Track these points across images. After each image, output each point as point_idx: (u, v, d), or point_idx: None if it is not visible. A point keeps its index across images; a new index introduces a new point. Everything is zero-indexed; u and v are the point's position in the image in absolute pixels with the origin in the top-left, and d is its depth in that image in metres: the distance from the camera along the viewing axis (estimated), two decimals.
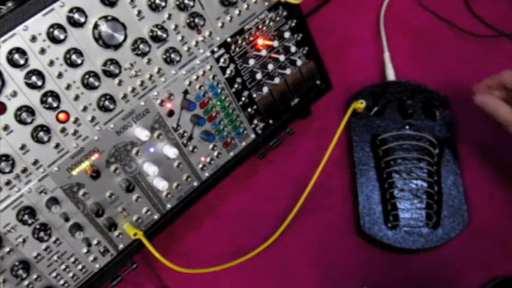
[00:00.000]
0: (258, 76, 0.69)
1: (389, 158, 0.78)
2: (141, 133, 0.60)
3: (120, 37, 0.56)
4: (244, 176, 0.80)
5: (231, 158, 0.71)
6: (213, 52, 0.65)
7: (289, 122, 0.76)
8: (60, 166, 0.57)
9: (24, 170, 0.54)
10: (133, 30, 0.57)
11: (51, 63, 0.53)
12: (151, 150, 0.63)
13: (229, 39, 0.66)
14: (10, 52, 0.50)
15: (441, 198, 0.76)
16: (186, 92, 0.64)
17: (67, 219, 0.59)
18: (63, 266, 0.60)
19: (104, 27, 0.54)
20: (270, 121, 0.73)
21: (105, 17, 0.54)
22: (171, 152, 0.63)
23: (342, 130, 0.78)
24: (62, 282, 0.61)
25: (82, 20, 0.53)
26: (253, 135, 0.73)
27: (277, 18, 0.70)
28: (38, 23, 0.51)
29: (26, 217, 0.55)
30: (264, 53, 0.69)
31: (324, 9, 0.93)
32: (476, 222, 0.75)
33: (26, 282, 0.58)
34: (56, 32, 0.52)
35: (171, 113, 0.63)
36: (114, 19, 0.55)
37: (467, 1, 0.93)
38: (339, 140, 0.78)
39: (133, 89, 0.59)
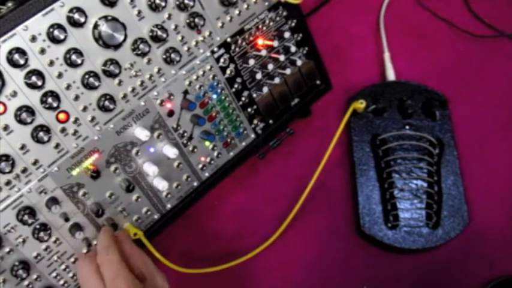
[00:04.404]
0: (258, 76, 0.69)
1: (389, 158, 0.78)
2: (141, 133, 0.60)
3: (120, 37, 0.56)
4: (244, 176, 0.80)
5: (231, 158, 0.71)
6: (213, 52, 0.65)
7: (289, 122, 0.76)
8: (60, 166, 0.57)
9: (24, 170, 0.54)
10: (133, 30, 0.57)
11: (51, 63, 0.53)
12: (151, 150, 0.63)
13: (229, 39, 0.66)
14: (10, 52, 0.50)
15: (441, 198, 0.76)
16: (186, 92, 0.64)
17: (67, 219, 0.59)
18: (63, 266, 0.60)
19: (104, 27, 0.54)
20: (270, 121, 0.73)
21: (105, 17, 0.54)
22: (171, 152, 0.63)
23: (342, 130, 0.78)
24: (62, 282, 0.61)
25: (82, 20, 0.53)
26: (253, 135, 0.73)
27: (277, 18, 0.70)
28: (38, 23, 0.51)
29: (26, 217, 0.55)
30: (264, 53, 0.69)
31: (324, 9, 0.93)
32: (476, 222, 0.75)
33: (26, 282, 0.58)
34: (56, 32, 0.52)
35: (171, 113, 0.63)
36: (114, 19, 0.55)
37: (467, 1, 0.93)
38: (339, 140, 0.78)
39: (133, 89, 0.59)
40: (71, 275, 0.61)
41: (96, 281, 0.55)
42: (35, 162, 0.55)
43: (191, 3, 0.59)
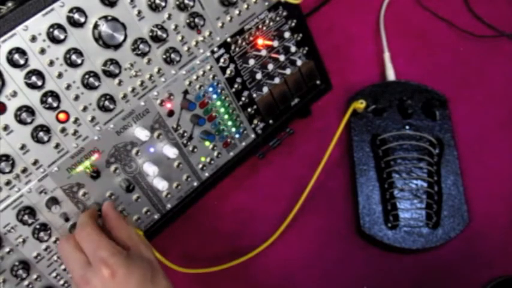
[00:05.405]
0: (258, 76, 0.69)
1: (389, 158, 0.78)
2: (141, 133, 0.60)
3: (120, 37, 0.56)
4: (244, 176, 0.80)
5: (231, 158, 0.71)
6: (213, 52, 0.65)
7: (289, 122, 0.76)
8: (60, 166, 0.57)
9: (24, 170, 0.54)
10: (133, 30, 0.57)
11: (51, 63, 0.53)
12: (151, 150, 0.63)
13: (229, 39, 0.66)
14: (10, 52, 0.50)
15: (441, 198, 0.76)
16: (186, 92, 0.64)
17: (67, 219, 0.59)
18: (63, 266, 0.60)
19: (104, 27, 0.54)
20: (270, 121, 0.73)
21: (105, 17, 0.54)
22: (171, 152, 0.63)
23: (342, 130, 0.78)
24: (62, 282, 0.61)
25: (82, 20, 0.53)
26: (253, 135, 0.73)
27: (277, 18, 0.70)
28: (38, 23, 0.51)
29: (26, 217, 0.55)
30: (264, 53, 0.69)
31: (324, 9, 0.93)
32: (476, 222, 0.75)
33: (26, 282, 0.58)
34: (56, 32, 0.52)
35: (171, 113, 0.63)
36: (114, 19, 0.55)
37: (467, 1, 0.93)
38: (339, 140, 0.78)
39: (133, 89, 0.59)
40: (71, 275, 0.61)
41: (78, 256, 0.53)
42: (35, 162, 0.55)
43: (191, 3, 0.59)
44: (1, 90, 0.51)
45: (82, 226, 0.56)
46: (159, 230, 0.67)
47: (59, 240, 0.58)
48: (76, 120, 0.56)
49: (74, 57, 0.53)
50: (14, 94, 0.52)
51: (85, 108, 0.56)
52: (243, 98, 0.69)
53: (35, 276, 0.58)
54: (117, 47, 0.56)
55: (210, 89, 0.66)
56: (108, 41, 0.55)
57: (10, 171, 0.53)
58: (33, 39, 0.51)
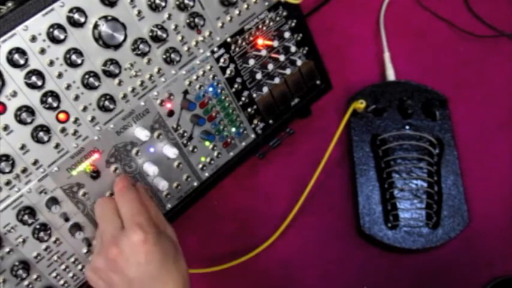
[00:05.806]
0: (258, 76, 0.69)
1: (389, 158, 0.78)
2: (141, 133, 0.60)
3: (120, 37, 0.56)
4: (244, 176, 0.80)
5: (231, 158, 0.71)
6: (213, 52, 0.65)
7: (289, 122, 0.76)
8: (60, 166, 0.57)
9: (24, 170, 0.54)
10: (133, 30, 0.57)
11: (51, 63, 0.53)
12: (151, 150, 0.63)
13: (229, 39, 0.66)
14: (10, 52, 0.50)
15: (441, 198, 0.76)
16: (186, 92, 0.64)
17: (67, 219, 0.59)
18: (63, 266, 0.60)
19: (104, 27, 0.54)
20: (270, 121, 0.73)
21: (105, 17, 0.54)
22: (171, 152, 0.63)
23: (342, 130, 0.78)
24: (62, 282, 0.61)
25: (82, 20, 0.53)
26: (253, 135, 0.72)
27: (277, 18, 0.70)
28: (38, 23, 0.51)
29: (26, 217, 0.55)
30: (264, 53, 0.69)
31: (324, 9, 0.93)
32: (476, 222, 0.75)
33: (26, 282, 0.58)
34: (56, 32, 0.52)
35: (171, 113, 0.63)
36: (114, 19, 0.55)
37: (467, 1, 0.93)
38: (339, 140, 0.78)
39: (133, 89, 0.59)
40: (71, 275, 0.61)
41: (115, 218, 0.56)
42: (35, 162, 0.55)
43: (191, 3, 0.59)
44: (1, 90, 0.51)
45: (126, 189, 0.58)
46: None
47: (99, 199, 0.59)
48: (76, 120, 0.56)
49: (74, 57, 0.53)
50: (14, 94, 0.52)
51: (85, 108, 0.56)
52: (243, 98, 0.69)
53: (35, 276, 0.58)
54: (117, 47, 0.56)
55: (210, 89, 0.66)
56: (108, 41, 0.55)
57: (10, 171, 0.53)
58: (33, 39, 0.51)
